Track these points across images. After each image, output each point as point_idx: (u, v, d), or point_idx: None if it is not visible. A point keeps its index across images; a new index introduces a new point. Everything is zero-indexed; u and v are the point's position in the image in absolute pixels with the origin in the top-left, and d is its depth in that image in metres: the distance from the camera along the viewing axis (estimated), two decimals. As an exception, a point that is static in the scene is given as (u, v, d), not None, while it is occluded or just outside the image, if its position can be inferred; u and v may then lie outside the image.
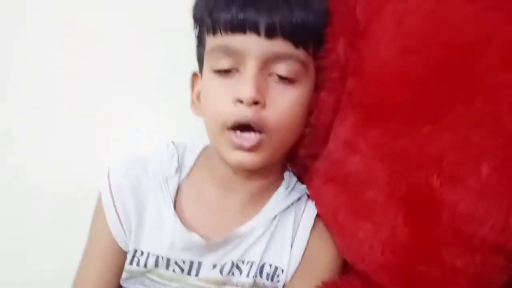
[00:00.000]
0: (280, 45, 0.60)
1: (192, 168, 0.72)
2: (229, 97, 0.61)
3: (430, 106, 0.56)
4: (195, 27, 0.69)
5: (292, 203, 0.70)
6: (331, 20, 0.63)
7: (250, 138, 0.61)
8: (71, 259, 0.73)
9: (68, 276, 0.72)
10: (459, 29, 0.55)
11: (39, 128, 0.85)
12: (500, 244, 0.54)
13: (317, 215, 0.69)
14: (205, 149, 0.73)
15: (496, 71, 0.53)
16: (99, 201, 0.70)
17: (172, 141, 0.74)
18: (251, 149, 0.61)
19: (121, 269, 0.70)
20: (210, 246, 0.67)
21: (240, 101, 0.60)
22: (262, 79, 0.61)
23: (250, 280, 0.67)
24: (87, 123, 0.84)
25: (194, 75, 0.71)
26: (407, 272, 0.59)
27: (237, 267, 0.68)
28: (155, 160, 0.71)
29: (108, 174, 0.70)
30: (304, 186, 0.72)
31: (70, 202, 0.84)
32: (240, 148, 0.61)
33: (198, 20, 0.67)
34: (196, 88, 0.71)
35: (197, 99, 0.70)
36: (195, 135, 0.78)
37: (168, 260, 0.67)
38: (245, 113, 0.60)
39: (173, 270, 0.68)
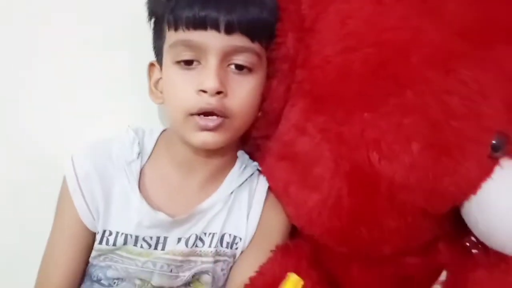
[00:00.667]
0: (238, 40, 0.67)
1: (152, 152, 0.77)
2: (193, 88, 0.67)
3: (369, 97, 0.65)
4: (149, 20, 0.74)
5: (246, 179, 0.78)
6: (281, 16, 0.70)
7: (213, 119, 0.68)
8: (37, 250, 0.76)
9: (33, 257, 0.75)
10: (392, 31, 0.65)
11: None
12: (427, 208, 0.65)
13: (269, 188, 0.78)
14: (163, 134, 0.78)
15: (422, 68, 0.63)
16: (64, 187, 0.73)
17: (129, 127, 0.78)
18: (215, 128, 0.68)
19: (89, 249, 0.75)
20: (176, 222, 0.73)
21: (204, 92, 0.66)
22: (223, 71, 0.67)
23: (212, 249, 0.75)
24: (48, 114, 0.85)
25: (151, 65, 0.76)
26: (350, 234, 0.70)
27: (200, 239, 0.74)
28: (117, 145, 0.75)
29: (73, 161, 0.73)
30: (255, 163, 0.80)
31: (34, 187, 0.85)
32: (205, 128, 0.68)
33: (158, 15, 0.72)
34: (154, 77, 0.75)
35: (155, 87, 0.75)
36: (153, 121, 0.84)
37: (137, 237, 0.73)
38: (209, 101, 0.66)
39: (141, 246, 0.73)
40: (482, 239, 0.67)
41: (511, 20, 0.65)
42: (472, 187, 0.65)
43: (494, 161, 0.65)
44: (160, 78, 0.74)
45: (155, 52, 0.75)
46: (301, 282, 0.58)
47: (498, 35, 0.65)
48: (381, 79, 0.65)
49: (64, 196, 0.73)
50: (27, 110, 0.85)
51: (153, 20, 0.73)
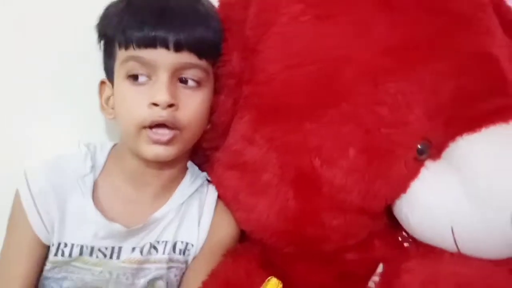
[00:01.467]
0: (186, 57, 0.72)
1: (104, 166, 0.79)
2: (144, 102, 0.71)
3: (311, 109, 0.71)
4: (99, 41, 0.77)
5: (197, 189, 0.82)
6: (226, 36, 0.76)
7: (165, 133, 0.71)
8: None
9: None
10: (330, 50, 0.71)
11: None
12: (363, 207, 0.72)
13: (218, 197, 0.82)
14: (114, 148, 0.81)
15: (355, 82, 0.70)
16: (17, 202, 0.74)
17: (81, 142, 0.80)
18: (167, 142, 0.72)
19: (43, 262, 0.76)
20: (131, 232, 0.76)
21: (156, 105, 0.70)
22: (173, 86, 0.72)
23: (166, 256, 0.78)
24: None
25: (102, 83, 0.79)
26: (296, 234, 0.75)
27: (154, 247, 0.77)
28: (70, 160, 0.77)
29: (26, 176, 0.74)
30: (204, 173, 0.84)
31: None
32: (157, 142, 0.71)
33: (108, 36, 0.75)
34: (104, 94, 0.79)
35: (105, 104, 0.78)
36: (103, 135, 0.86)
37: (92, 248, 0.75)
38: (161, 114, 0.70)
39: (97, 256, 0.75)
40: (412, 233, 0.75)
41: (428, 39, 0.73)
42: (402, 187, 0.72)
43: (420, 163, 0.73)
44: (112, 95, 0.77)
45: (105, 71, 0.78)
46: (280, 285, 0.61)
47: (417, 53, 0.72)
48: (320, 92, 0.71)
49: (16, 211, 0.74)
50: None
51: (103, 41, 0.77)
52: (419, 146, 0.72)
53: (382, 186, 0.71)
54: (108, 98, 0.78)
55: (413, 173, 0.72)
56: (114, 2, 0.75)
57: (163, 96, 0.69)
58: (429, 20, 0.73)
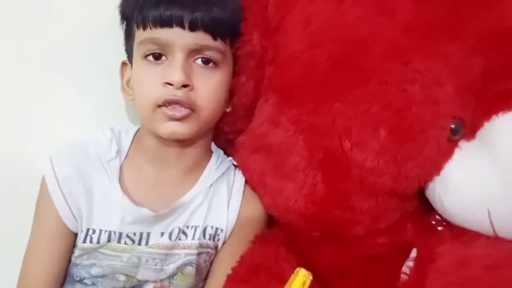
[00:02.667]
0: (201, 37, 0.70)
1: (129, 150, 0.78)
2: (159, 81, 0.69)
3: (336, 89, 0.68)
4: (122, 23, 0.76)
5: (224, 172, 0.79)
6: (246, 16, 0.73)
7: (180, 109, 0.70)
8: (14, 247, 0.75)
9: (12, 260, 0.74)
10: (353, 28, 0.68)
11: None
12: (395, 189, 0.69)
13: (245, 182, 0.80)
14: (137, 132, 0.79)
15: (382, 60, 0.67)
16: (44, 188, 0.73)
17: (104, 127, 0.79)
18: (182, 118, 0.70)
19: (71, 249, 0.75)
20: (159, 217, 0.74)
21: (171, 85, 0.68)
22: (188, 65, 0.70)
23: (196, 242, 0.76)
24: (23, 111, 0.84)
25: (124, 64, 0.78)
26: (325, 218, 0.72)
27: (183, 232, 0.76)
28: (95, 145, 0.76)
29: (52, 162, 0.73)
30: (230, 158, 0.81)
31: (11, 188, 0.83)
32: (172, 118, 0.69)
33: (128, 16, 0.74)
34: (126, 75, 0.77)
35: (126, 85, 0.77)
36: (127, 121, 0.85)
37: (120, 234, 0.73)
38: (175, 93, 0.69)
39: (125, 242, 0.74)
40: (446, 216, 0.71)
41: (453, 14, 0.69)
42: (435, 168, 0.69)
43: (454, 144, 0.69)
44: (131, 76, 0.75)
45: (126, 52, 0.77)
46: (310, 277, 0.59)
47: (443, 29, 0.69)
48: (345, 71, 0.68)
49: (43, 197, 0.73)
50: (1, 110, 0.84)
51: (124, 22, 0.75)
52: (452, 126, 0.68)
53: (415, 168, 0.67)
54: (129, 80, 0.77)
55: (447, 154, 0.69)
56: None
57: (177, 76, 0.68)
58: None
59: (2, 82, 0.82)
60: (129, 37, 0.75)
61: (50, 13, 0.83)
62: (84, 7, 0.82)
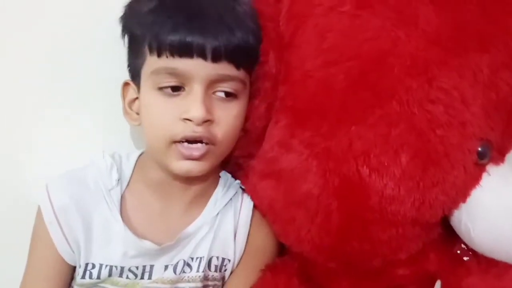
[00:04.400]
0: (224, 68, 0.62)
1: (131, 178, 0.71)
2: (177, 115, 0.62)
3: (353, 110, 0.61)
4: (123, 36, 0.68)
5: (231, 199, 0.73)
6: (262, 36, 0.66)
7: (198, 148, 0.63)
8: (8, 275, 0.69)
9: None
10: (371, 42, 0.61)
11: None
12: (418, 218, 0.62)
13: (254, 207, 0.73)
14: (140, 158, 0.73)
15: (404, 78, 0.60)
16: (39, 219, 0.67)
17: (105, 152, 0.72)
18: (200, 158, 0.63)
19: (68, 282, 0.69)
20: (163, 249, 0.67)
21: (190, 120, 0.61)
22: (208, 98, 0.63)
23: (200, 274, 0.69)
24: (20, 133, 0.78)
25: (126, 84, 0.70)
26: (340, 249, 0.66)
27: (188, 264, 0.69)
28: (94, 172, 0.69)
29: (48, 192, 0.67)
30: (238, 181, 0.75)
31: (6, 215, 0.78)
32: (189, 158, 0.63)
33: (135, 34, 0.65)
34: (128, 97, 0.69)
35: (129, 108, 0.70)
36: (128, 144, 0.78)
37: (122, 268, 0.67)
38: (195, 130, 0.62)
39: (127, 277, 0.67)
40: (472, 246, 0.65)
41: (480, 26, 0.63)
42: (462, 195, 0.62)
43: (481, 168, 0.63)
44: (136, 98, 0.68)
45: (130, 71, 0.69)
46: None
47: (470, 42, 0.63)
48: (364, 90, 0.61)
49: (39, 228, 0.67)
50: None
51: (128, 36, 0.67)
52: (479, 149, 0.62)
53: (439, 195, 0.61)
54: (132, 101, 0.69)
55: (474, 180, 0.62)
56: None
57: (198, 112, 0.61)
58: (480, 5, 0.63)
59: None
60: (135, 55, 0.66)
61: (50, 26, 0.77)
62: (85, 20, 0.77)
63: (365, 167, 0.60)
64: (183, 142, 0.62)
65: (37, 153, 0.78)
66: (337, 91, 0.62)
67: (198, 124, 0.61)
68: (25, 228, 0.69)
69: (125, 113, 0.70)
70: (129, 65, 0.69)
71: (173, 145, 0.63)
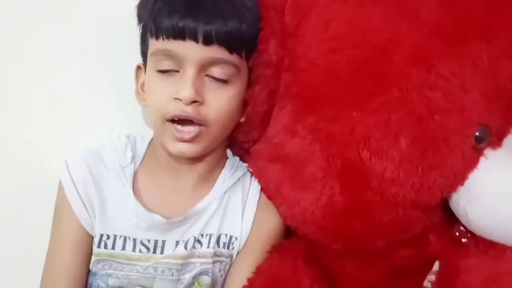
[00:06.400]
0: (216, 51, 0.65)
1: (144, 157, 0.74)
2: (169, 94, 0.65)
3: (356, 96, 0.63)
4: (138, 25, 0.71)
5: (239, 178, 0.75)
6: (263, 25, 0.68)
7: (189, 130, 0.66)
8: (29, 251, 0.74)
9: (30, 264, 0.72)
10: (374, 32, 0.63)
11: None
12: (417, 200, 0.63)
13: (261, 189, 0.75)
14: (153, 139, 0.76)
15: (405, 66, 0.62)
16: (61, 194, 0.70)
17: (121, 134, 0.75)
18: (191, 140, 0.66)
19: (89, 254, 0.71)
20: (171, 224, 0.70)
21: (180, 100, 0.64)
22: (200, 80, 0.65)
23: (211, 250, 0.71)
24: (39, 119, 0.81)
25: (138, 68, 0.74)
26: (344, 231, 0.67)
27: (198, 241, 0.71)
28: (110, 151, 0.73)
29: (68, 168, 0.70)
30: (245, 164, 0.76)
31: (27, 195, 0.81)
32: (181, 140, 0.66)
33: (143, 22, 0.69)
34: (140, 79, 0.73)
35: (141, 89, 0.73)
36: (142, 127, 0.81)
37: (135, 240, 0.69)
38: (185, 109, 0.64)
39: (140, 250, 0.70)
40: (471, 228, 0.66)
41: (481, 17, 0.64)
42: (460, 178, 0.63)
43: (479, 152, 0.64)
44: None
45: (141, 56, 0.72)
46: None
47: (470, 32, 0.64)
48: (366, 78, 0.63)
49: (61, 203, 0.70)
50: (20, 116, 0.81)
51: (139, 24, 0.71)
52: (477, 134, 0.63)
53: (438, 178, 0.62)
54: (143, 84, 0.73)
55: (471, 163, 0.63)
56: None
57: (187, 92, 0.64)
58: None
59: (18, 86, 0.80)
60: (144, 42, 0.71)
61: (65, 15, 0.80)
62: (100, 8, 0.80)
63: (365, 151, 0.62)
64: (175, 122, 0.65)
65: (55, 135, 0.82)
66: (340, 78, 0.64)
67: (187, 104, 0.64)
68: (44, 206, 0.72)
69: (137, 94, 0.74)
70: (141, 50, 0.73)
71: (167, 124, 0.66)
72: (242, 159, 0.77)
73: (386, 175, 0.62)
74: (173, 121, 0.66)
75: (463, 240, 0.68)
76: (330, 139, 0.64)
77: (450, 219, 0.68)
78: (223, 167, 0.75)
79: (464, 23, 0.63)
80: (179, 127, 0.66)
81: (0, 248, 0.81)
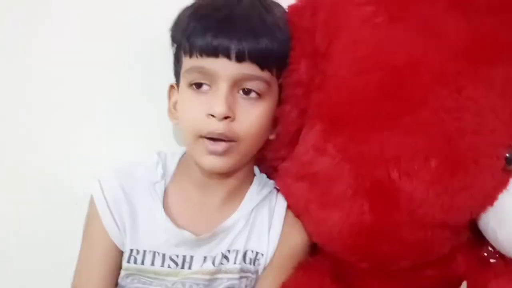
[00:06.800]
0: (247, 68, 0.66)
1: (174, 173, 0.75)
2: (203, 111, 0.66)
3: (385, 116, 0.63)
4: (172, 45, 0.73)
5: (265, 197, 0.75)
6: (293, 45, 0.69)
7: (221, 144, 0.67)
8: (62, 263, 0.73)
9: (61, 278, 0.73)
10: (403, 53, 0.63)
11: (31, 135, 0.83)
12: (446, 221, 0.63)
13: (287, 206, 0.75)
14: (183, 156, 0.77)
15: (434, 87, 0.62)
16: (93, 208, 0.71)
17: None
18: (223, 153, 0.67)
19: (118, 269, 0.72)
20: (200, 240, 0.71)
21: (213, 116, 0.65)
22: (232, 96, 0.67)
23: (237, 266, 0.72)
24: (75, 133, 0.83)
25: (171, 87, 0.75)
26: (371, 250, 0.67)
27: (225, 256, 0.72)
28: (141, 168, 0.74)
29: (101, 184, 0.72)
30: (272, 181, 0.77)
31: (61, 209, 0.83)
32: (213, 153, 0.67)
33: (176, 41, 0.71)
34: (173, 99, 0.75)
35: (173, 108, 0.75)
36: (173, 144, 0.83)
37: (164, 255, 0.70)
38: (217, 126, 0.66)
39: (168, 266, 0.70)
40: (500, 249, 0.65)
41: (505, 40, 0.64)
42: (489, 199, 0.63)
43: (509, 173, 0.64)
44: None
45: (175, 76, 0.74)
46: None
47: (499, 53, 0.64)
48: (396, 98, 0.63)
49: (92, 218, 0.71)
50: (46, 133, 0.83)
51: (172, 43, 0.73)
52: (507, 155, 0.63)
53: (467, 199, 0.62)
54: (175, 103, 0.74)
55: (501, 184, 0.63)
56: (186, 6, 0.71)
57: (220, 108, 0.65)
58: (504, 18, 0.64)
59: (53, 104, 0.82)
60: (177, 61, 0.72)
61: (97, 35, 0.82)
62: (133, 28, 0.82)
63: (395, 171, 0.62)
64: (208, 138, 0.66)
65: (88, 150, 0.84)
66: (369, 98, 0.64)
67: (220, 120, 0.65)
68: (73, 223, 0.73)
69: (169, 112, 0.76)
70: (174, 70, 0.74)
71: (200, 140, 0.67)
72: (270, 176, 0.78)
73: (416, 195, 0.62)
74: (205, 137, 0.67)
75: (492, 260, 0.68)
76: (359, 158, 0.64)
77: (478, 239, 0.68)
78: (251, 184, 0.76)
79: (493, 43, 0.64)
80: (212, 142, 0.67)
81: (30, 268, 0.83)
